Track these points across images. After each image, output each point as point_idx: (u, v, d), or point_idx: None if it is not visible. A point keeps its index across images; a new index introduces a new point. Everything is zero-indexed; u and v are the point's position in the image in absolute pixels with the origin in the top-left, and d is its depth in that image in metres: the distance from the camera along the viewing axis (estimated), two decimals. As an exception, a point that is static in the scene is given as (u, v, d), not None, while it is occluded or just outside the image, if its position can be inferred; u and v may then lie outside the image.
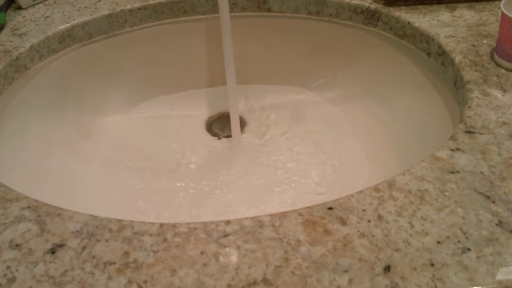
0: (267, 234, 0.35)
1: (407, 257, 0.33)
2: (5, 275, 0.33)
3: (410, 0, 0.62)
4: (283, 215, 0.36)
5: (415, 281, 0.31)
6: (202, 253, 0.34)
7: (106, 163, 0.63)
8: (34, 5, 0.68)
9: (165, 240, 0.35)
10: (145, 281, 0.32)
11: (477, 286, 0.31)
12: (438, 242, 0.34)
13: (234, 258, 0.33)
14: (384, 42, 0.65)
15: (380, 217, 0.36)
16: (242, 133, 0.68)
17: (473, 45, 0.54)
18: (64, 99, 0.65)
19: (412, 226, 0.35)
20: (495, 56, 0.51)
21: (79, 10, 0.66)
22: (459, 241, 0.34)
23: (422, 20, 0.59)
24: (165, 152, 0.66)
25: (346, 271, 0.32)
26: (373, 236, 0.34)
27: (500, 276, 0.32)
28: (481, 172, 0.39)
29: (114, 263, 0.33)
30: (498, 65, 0.51)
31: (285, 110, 0.72)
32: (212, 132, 0.69)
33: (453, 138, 0.42)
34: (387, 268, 0.32)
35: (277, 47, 0.73)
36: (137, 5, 0.66)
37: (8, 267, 0.34)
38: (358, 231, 0.35)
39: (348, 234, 0.35)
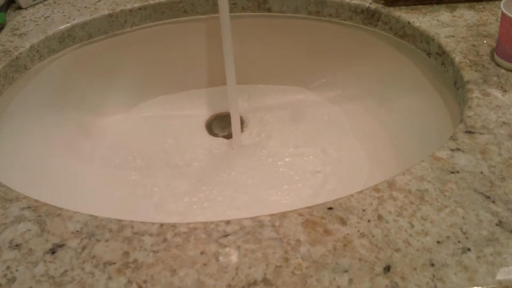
0: (267, 234, 0.35)
1: (407, 257, 0.33)
2: (5, 275, 0.33)
3: (410, 0, 0.62)
4: (283, 215, 0.36)
5: (415, 281, 0.31)
6: (202, 253, 0.34)
7: (106, 163, 0.63)
8: (34, 5, 0.68)
9: (165, 240, 0.35)
10: (145, 281, 0.32)
11: (477, 286, 0.31)
12: (438, 242, 0.34)
13: (234, 258, 0.33)
14: (384, 42, 0.65)
15: (380, 217, 0.36)
16: (242, 133, 0.68)
17: (473, 45, 0.54)
18: (64, 99, 0.65)
19: (412, 226, 0.35)
20: (495, 56, 0.51)
21: (79, 10, 0.66)
22: (459, 241, 0.34)
23: (422, 20, 0.59)
24: (165, 152, 0.66)
25: (346, 271, 0.32)
26: (373, 236, 0.34)
27: (500, 276, 0.32)
28: (481, 172, 0.39)
29: (114, 263, 0.33)
30: (498, 65, 0.51)
31: (285, 110, 0.72)
32: (212, 132, 0.69)
33: (453, 138, 0.42)
34: (387, 268, 0.32)
35: (277, 47, 0.73)
36: (137, 5, 0.66)
37: (8, 267, 0.34)
38: (358, 231, 0.35)
39: (348, 234, 0.35)
